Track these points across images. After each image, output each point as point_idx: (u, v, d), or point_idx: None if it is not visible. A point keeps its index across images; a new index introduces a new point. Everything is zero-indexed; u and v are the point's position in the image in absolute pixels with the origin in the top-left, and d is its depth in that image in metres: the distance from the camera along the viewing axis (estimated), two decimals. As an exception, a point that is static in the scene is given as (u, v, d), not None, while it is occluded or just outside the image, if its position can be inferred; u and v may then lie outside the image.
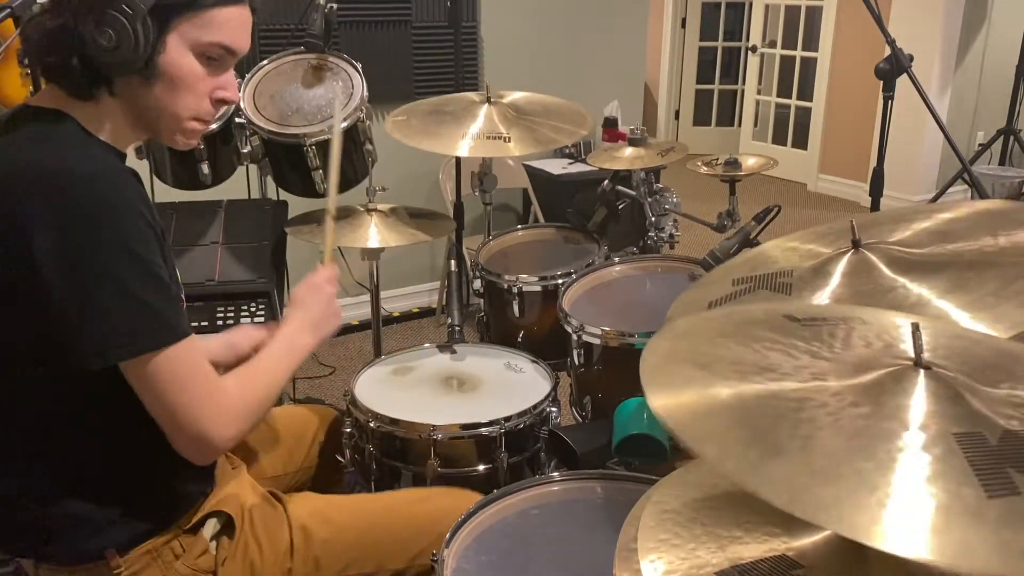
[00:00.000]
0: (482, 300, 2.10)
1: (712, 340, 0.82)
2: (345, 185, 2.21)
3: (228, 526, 1.22)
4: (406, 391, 1.67)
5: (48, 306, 1.00)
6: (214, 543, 1.21)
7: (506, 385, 1.69)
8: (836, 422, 0.66)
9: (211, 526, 1.21)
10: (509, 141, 1.92)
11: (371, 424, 1.55)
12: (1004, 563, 0.53)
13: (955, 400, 0.68)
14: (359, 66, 2.18)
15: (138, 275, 1.02)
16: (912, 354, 0.72)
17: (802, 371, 0.74)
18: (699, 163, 2.23)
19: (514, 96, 2.12)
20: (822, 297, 1.00)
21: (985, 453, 0.62)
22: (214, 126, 2.09)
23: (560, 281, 1.93)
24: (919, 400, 0.68)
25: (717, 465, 0.64)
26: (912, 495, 0.59)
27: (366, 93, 2.14)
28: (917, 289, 0.94)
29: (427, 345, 1.86)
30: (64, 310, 0.99)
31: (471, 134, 1.93)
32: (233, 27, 1.11)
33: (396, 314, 3.75)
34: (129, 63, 1.05)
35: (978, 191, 2.66)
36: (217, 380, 1.11)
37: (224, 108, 2.05)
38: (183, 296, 1.16)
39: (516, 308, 1.98)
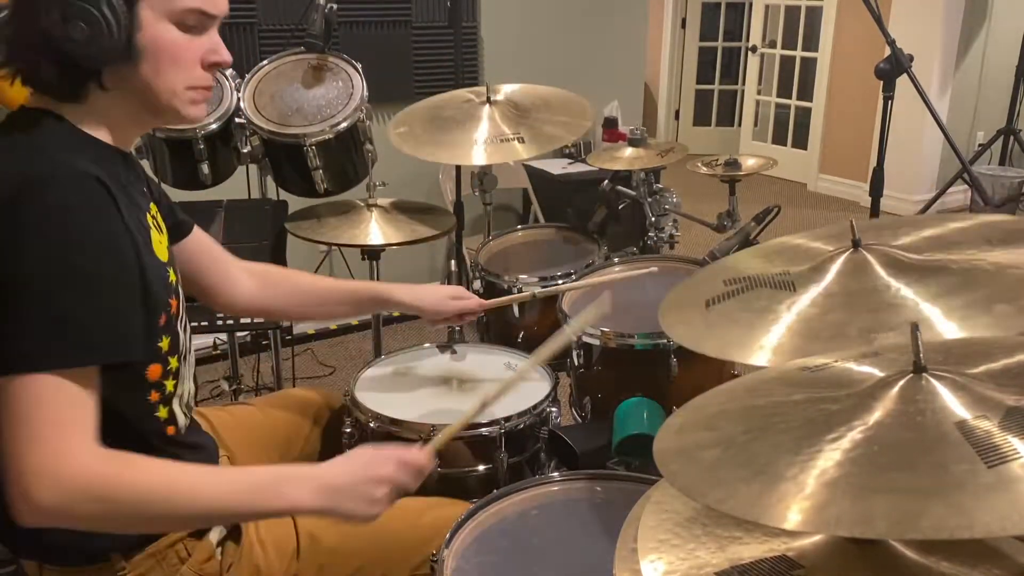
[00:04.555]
0: (482, 300, 2.11)
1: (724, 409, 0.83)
2: (345, 185, 2.22)
3: (234, 530, 1.22)
4: (406, 391, 1.67)
5: None
6: (219, 548, 1.20)
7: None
8: (838, 440, 0.68)
9: (217, 531, 1.20)
10: (523, 142, 1.91)
11: (371, 424, 1.54)
12: (1000, 523, 0.56)
13: (956, 393, 0.69)
14: (359, 66, 2.18)
15: (49, 290, 0.94)
16: (911, 358, 0.72)
17: (805, 407, 0.75)
18: (699, 163, 2.24)
19: (510, 91, 2.11)
20: (817, 292, 1.00)
21: (987, 432, 0.64)
22: (214, 126, 2.09)
23: (560, 281, 1.93)
24: (922, 403, 0.69)
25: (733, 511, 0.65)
26: (908, 484, 0.61)
27: (366, 93, 2.14)
28: (912, 291, 0.95)
29: (427, 345, 1.86)
30: None
31: (480, 140, 1.92)
32: None
33: (396, 314, 3.74)
34: (109, 51, 0.99)
35: (978, 191, 2.67)
36: (74, 439, 0.94)
37: (221, 102, 2.05)
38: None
39: (516, 308, 1.98)
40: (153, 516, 0.99)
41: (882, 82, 2.11)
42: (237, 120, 2.12)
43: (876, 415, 0.69)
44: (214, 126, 2.09)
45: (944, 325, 0.89)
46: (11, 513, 0.94)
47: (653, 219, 2.18)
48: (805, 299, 1.00)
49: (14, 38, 1.01)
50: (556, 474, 1.35)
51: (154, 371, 1.11)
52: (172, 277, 1.15)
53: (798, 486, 0.64)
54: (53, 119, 1.04)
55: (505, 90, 2.12)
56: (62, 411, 0.94)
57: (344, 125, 2.08)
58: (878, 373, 0.76)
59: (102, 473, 0.95)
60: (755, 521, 0.63)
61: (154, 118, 1.12)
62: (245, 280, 1.45)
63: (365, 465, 1.08)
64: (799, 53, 6.22)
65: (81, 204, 0.97)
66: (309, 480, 1.05)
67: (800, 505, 0.62)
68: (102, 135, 1.08)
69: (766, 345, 0.95)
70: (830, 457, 0.66)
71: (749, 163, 2.19)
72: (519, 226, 2.64)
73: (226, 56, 1.11)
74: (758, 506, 0.64)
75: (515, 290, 1.97)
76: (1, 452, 0.93)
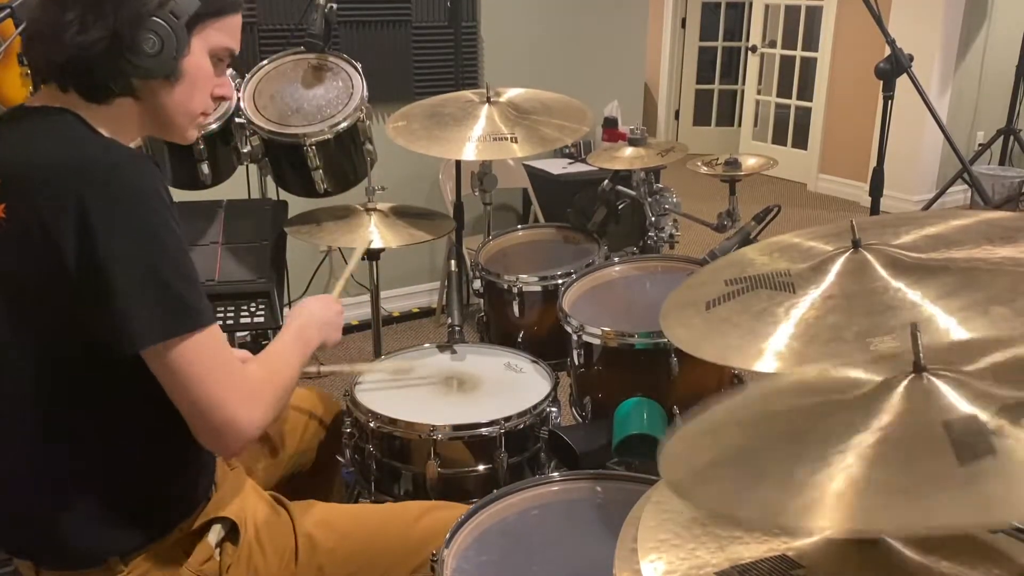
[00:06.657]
0: (482, 300, 2.10)
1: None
2: (344, 185, 2.22)
3: (232, 532, 1.22)
4: (406, 391, 1.67)
5: (77, 296, 1.00)
6: (218, 549, 1.20)
7: (506, 385, 1.69)
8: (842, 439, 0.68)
9: (215, 532, 1.20)
10: (516, 142, 1.92)
11: (371, 424, 1.55)
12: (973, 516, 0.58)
13: (954, 393, 0.69)
14: (359, 66, 2.18)
15: (162, 261, 1.02)
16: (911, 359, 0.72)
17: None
18: (699, 163, 2.23)
19: (512, 94, 2.12)
20: (816, 294, 1.00)
21: (972, 430, 0.64)
22: (214, 126, 2.09)
23: (560, 281, 1.93)
24: (918, 404, 0.69)
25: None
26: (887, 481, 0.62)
27: (366, 93, 2.14)
28: (912, 292, 0.95)
29: (427, 345, 1.86)
30: (93, 299, 1.00)
31: (475, 137, 1.93)
32: (237, 32, 1.18)
33: (396, 314, 3.75)
34: (163, 67, 1.08)
35: (978, 191, 2.67)
36: (240, 366, 1.11)
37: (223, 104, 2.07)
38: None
39: (516, 308, 1.98)
40: (292, 384, 1.21)
41: (882, 82, 2.11)
42: (237, 120, 2.12)
43: (884, 418, 0.69)
44: (214, 126, 2.08)
45: (943, 327, 0.89)
46: (222, 452, 1.17)
47: (653, 219, 2.17)
48: (803, 301, 1.00)
49: (91, 47, 1.04)
50: (556, 474, 1.35)
51: None
52: None
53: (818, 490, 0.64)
54: (71, 116, 1.07)
55: (509, 94, 2.12)
56: (227, 349, 1.10)
57: (344, 125, 2.08)
58: (877, 378, 0.76)
59: (267, 374, 1.16)
60: (783, 528, 0.63)
61: (154, 130, 1.18)
62: None
63: (327, 306, 1.40)
64: (799, 53, 6.23)
65: (152, 182, 1.04)
66: (310, 323, 1.34)
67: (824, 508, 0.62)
68: (107, 134, 1.10)
69: (764, 350, 0.95)
70: (843, 461, 0.66)
71: (749, 163, 2.19)
72: (519, 226, 2.64)
73: (231, 91, 1.27)
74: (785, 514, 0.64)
75: (515, 289, 1.97)
76: (196, 406, 1.06)
